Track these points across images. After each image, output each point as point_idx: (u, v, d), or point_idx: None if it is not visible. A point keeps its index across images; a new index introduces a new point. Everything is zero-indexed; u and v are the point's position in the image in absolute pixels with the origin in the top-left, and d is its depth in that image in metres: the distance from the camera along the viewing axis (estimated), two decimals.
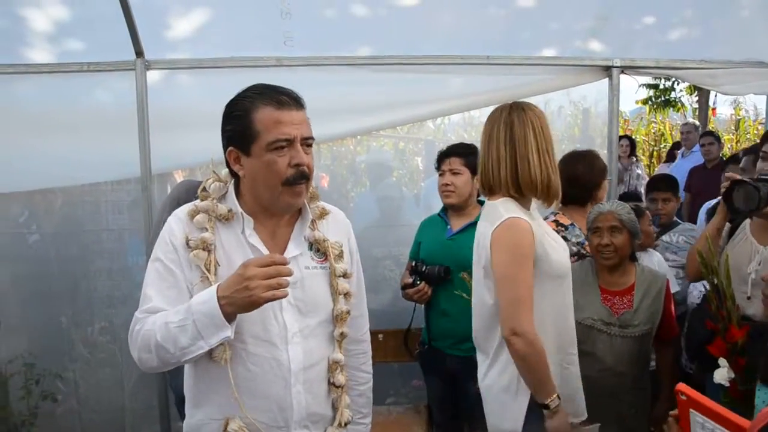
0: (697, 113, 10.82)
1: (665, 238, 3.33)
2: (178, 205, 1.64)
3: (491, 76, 3.33)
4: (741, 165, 3.47)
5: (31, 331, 3.46)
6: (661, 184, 3.54)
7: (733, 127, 12.18)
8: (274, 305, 1.49)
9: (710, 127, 9.65)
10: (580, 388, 2.04)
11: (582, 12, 3.25)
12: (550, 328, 1.92)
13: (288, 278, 1.38)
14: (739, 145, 11.20)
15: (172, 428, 3.19)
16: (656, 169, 9.63)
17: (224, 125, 1.54)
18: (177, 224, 1.55)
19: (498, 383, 1.96)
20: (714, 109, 11.13)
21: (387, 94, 3.37)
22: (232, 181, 1.59)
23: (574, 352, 2.03)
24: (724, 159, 5.88)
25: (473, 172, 2.68)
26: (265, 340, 1.52)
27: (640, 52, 3.28)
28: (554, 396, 1.87)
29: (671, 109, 11.50)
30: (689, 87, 10.53)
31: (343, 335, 1.63)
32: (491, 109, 2.04)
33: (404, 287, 2.81)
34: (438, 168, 2.82)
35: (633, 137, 8.67)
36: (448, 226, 2.81)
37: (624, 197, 3.61)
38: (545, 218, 2.55)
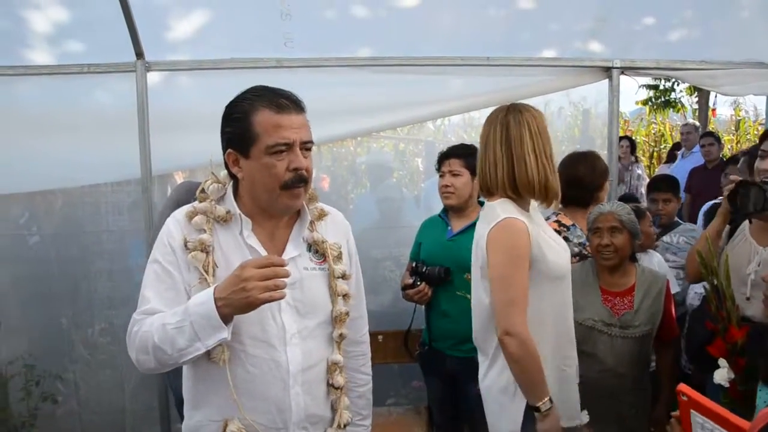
0: (697, 114, 10.81)
1: (666, 238, 3.33)
2: (179, 206, 1.64)
3: (491, 77, 3.32)
4: (738, 166, 3.47)
5: (32, 332, 3.46)
6: (662, 184, 3.54)
7: (733, 128, 12.18)
8: (273, 306, 1.49)
9: (710, 127, 9.64)
10: (576, 391, 2.03)
11: (582, 13, 3.25)
12: (549, 329, 1.92)
13: (286, 279, 1.38)
14: (739, 145, 11.20)
15: (172, 430, 3.19)
16: (656, 169, 9.62)
17: (224, 127, 1.54)
18: (175, 226, 1.55)
19: (497, 384, 1.95)
20: (714, 109, 11.14)
21: (387, 96, 3.37)
22: (231, 183, 1.59)
23: (573, 354, 2.03)
24: (725, 160, 5.88)
25: (473, 174, 2.67)
26: (264, 341, 1.51)
27: (640, 53, 3.28)
28: (546, 399, 1.85)
29: (671, 109, 11.51)
30: (689, 88, 10.54)
31: (341, 336, 1.63)
32: (491, 110, 2.04)
33: (404, 288, 2.81)
34: (438, 169, 2.82)
35: (633, 138, 8.68)
36: (449, 227, 2.81)
37: (621, 200, 3.60)
38: (547, 219, 2.55)
